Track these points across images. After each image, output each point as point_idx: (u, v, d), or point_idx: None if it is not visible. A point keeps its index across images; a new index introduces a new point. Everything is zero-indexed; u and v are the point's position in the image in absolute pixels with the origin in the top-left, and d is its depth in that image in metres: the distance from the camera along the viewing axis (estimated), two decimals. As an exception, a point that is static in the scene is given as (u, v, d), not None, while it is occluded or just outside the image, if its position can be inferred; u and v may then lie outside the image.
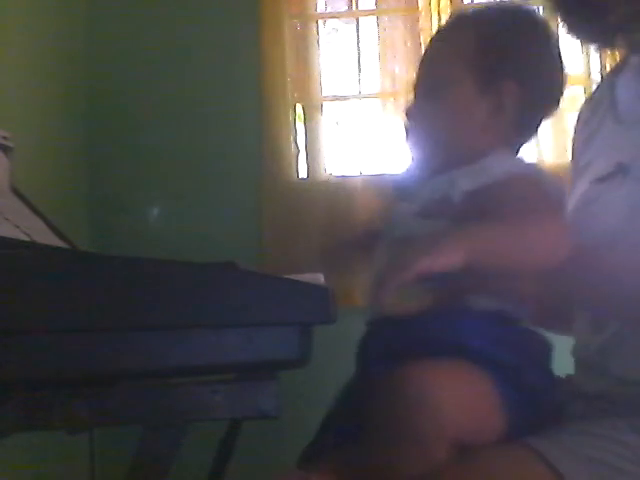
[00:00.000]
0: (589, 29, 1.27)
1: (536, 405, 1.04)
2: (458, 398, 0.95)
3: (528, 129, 1.20)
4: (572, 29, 1.29)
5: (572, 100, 2.22)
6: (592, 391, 1.13)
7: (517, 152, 1.20)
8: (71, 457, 1.87)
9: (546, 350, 1.09)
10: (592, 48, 1.35)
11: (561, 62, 1.21)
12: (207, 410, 0.91)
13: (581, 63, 2.20)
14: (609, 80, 1.32)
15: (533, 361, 1.05)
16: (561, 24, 1.29)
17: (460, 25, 1.23)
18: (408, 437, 0.94)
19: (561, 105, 1.22)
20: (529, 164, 1.16)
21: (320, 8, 2.41)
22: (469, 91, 1.16)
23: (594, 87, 2.20)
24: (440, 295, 1.06)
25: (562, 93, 1.21)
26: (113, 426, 0.94)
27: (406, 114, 1.21)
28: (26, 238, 1.10)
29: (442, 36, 1.25)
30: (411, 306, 1.05)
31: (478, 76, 1.16)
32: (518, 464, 1.01)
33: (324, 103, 2.32)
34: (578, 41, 1.34)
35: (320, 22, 2.38)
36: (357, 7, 2.38)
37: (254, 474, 2.12)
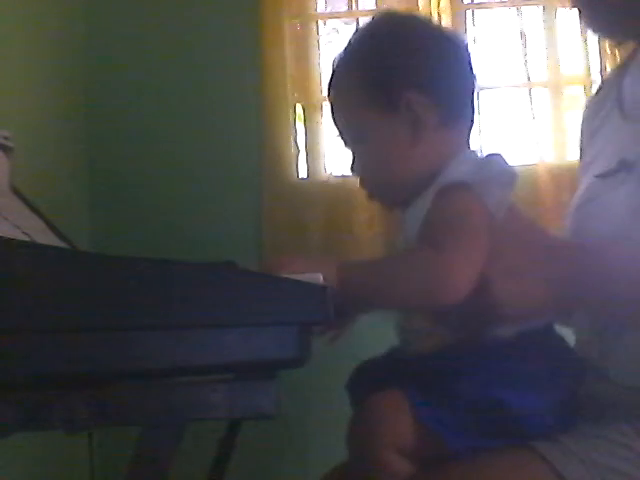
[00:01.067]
0: (609, 21, 1.25)
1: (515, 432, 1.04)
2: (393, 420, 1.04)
3: (461, 120, 1.16)
4: (590, 22, 1.27)
5: (572, 100, 2.23)
6: (591, 393, 1.12)
7: (467, 139, 1.17)
8: (71, 457, 1.87)
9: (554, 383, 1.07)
10: (610, 42, 1.33)
11: (451, 45, 1.16)
12: (207, 410, 0.91)
13: (581, 63, 2.20)
14: (617, 74, 1.30)
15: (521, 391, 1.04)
16: (579, 16, 1.27)
17: (341, 72, 1.18)
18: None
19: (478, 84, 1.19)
20: (465, 175, 1.08)
21: (320, 8, 2.40)
22: (382, 124, 1.12)
23: (595, 86, 2.22)
24: (456, 334, 1.07)
25: (471, 70, 1.17)
26: (113, 426, 0.94)
27: (351, 171, 1.19)
28: (26, 238, 1.10)
29: (334, 89, 1.20)
30: (431, 346, 1.10)
31: (379, 106, 1.12)
32: (522, 467, 1.01)
33: (324, 103, 2.32)
34: (595, 35, 1.31)
35: (320, 22, 2.38)
36: (357, 7, 2.37)
37: (254, 474, 2.12)
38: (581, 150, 1.35)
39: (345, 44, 1.19)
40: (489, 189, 1.07)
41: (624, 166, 1.14)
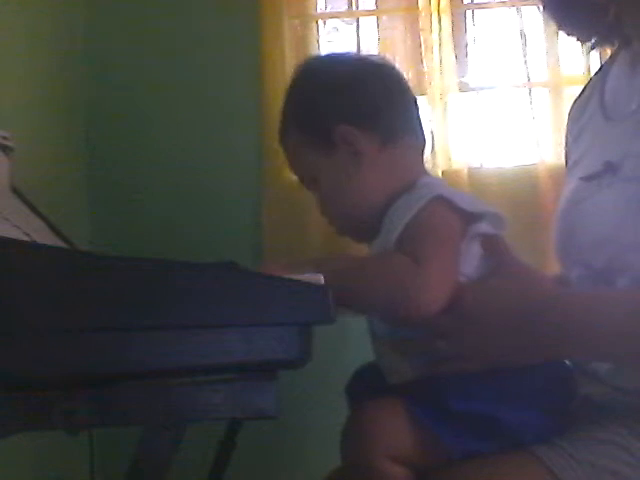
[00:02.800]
0: (583, 24, 1.25)
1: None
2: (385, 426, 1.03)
3: (405, 138, 1.17)
4: (562, 25, 1.26)
5: (572, 100, 2.23)
6: (585, 394, 1.12)
7: (421, 158, 1.19)
8: (71, 457, 1.87)
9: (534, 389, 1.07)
10: (587, 44, 1.33)
11: (370, 69, 1.19)
12: (207, 410, 0.91)
13: (581, 63, 2.20)
14: (600, 75, 1.30)
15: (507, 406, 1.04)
16: (553, 20, 1.27)
17: (283, 119, 1.24)
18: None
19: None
20: (433, 194, 1.10)
21: (320, 8, 2.40)
22: (326, 163, 1.16)
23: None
24: (435, 365, 1.07)
25: (403, 89, 1.20)
26: (113, 426, 0.94)
27: (321, 212, 1.22)
28: (26, 238, 1.10)
29: (281, 136, 1.26)
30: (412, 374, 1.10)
31: (319, 146, 1.16)
32: (520, 470, 1.02)
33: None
34: (571, 38, 1.31)
35: (320, 22, 2.38)
36: (357, 7, 2.37)
37: (254, 474, 2.12)
38: (566, 152, 1.35)
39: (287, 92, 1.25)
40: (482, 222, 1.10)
41: (609, 168, 1.14)
